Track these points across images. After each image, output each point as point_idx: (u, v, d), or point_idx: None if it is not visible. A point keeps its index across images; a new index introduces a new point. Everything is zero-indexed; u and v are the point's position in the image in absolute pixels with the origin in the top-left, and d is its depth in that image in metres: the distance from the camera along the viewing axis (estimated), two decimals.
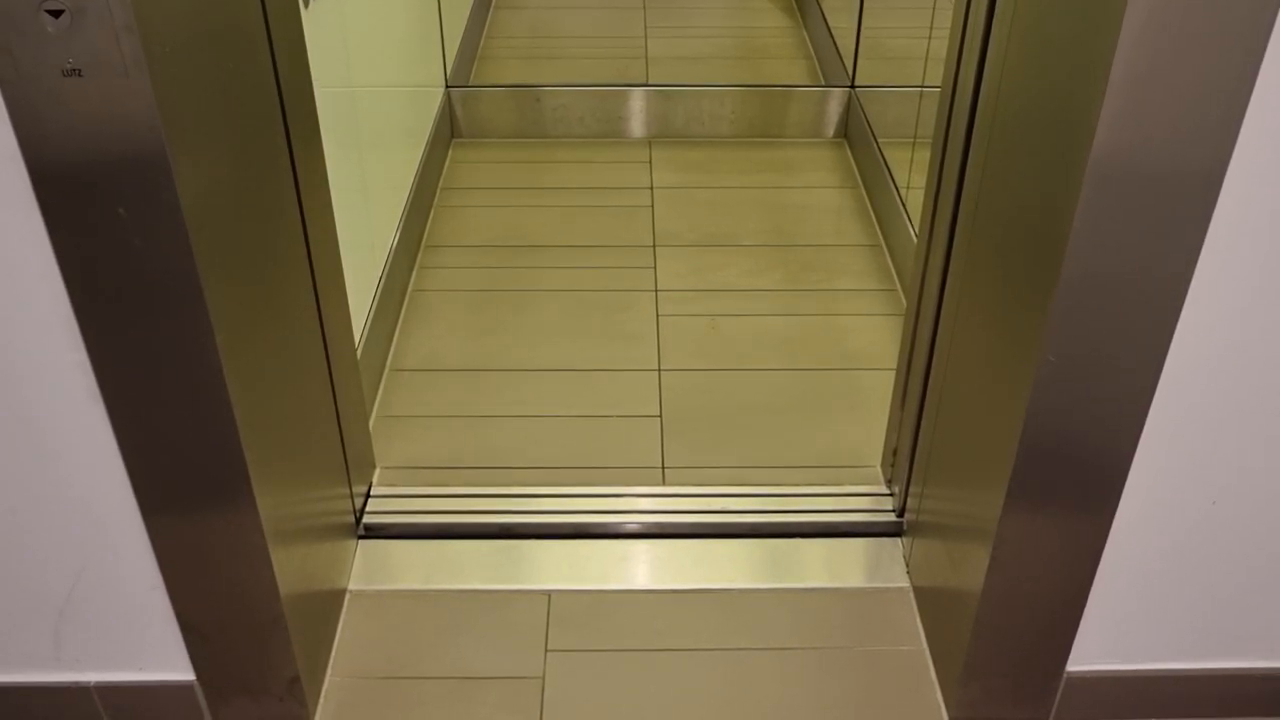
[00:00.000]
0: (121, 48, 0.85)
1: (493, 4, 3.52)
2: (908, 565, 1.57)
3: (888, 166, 2.39)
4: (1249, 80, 0.88)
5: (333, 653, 1.45)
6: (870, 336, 2.06)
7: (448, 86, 2.75)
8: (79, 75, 0.87)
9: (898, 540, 1.61)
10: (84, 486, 1.14)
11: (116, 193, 0.93)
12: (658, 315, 2.12)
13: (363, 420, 1.68)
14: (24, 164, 0.92)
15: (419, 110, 2.45)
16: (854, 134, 2.73)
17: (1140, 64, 0.87)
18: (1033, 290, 1.06)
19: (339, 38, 1.68)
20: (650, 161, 2.70)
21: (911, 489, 1.57)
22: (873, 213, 2.47)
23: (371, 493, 1.68)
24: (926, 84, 2.14)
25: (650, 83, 2.90)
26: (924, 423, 1.48)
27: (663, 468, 1.76)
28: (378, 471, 1.74)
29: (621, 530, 1.63)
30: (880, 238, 2.37)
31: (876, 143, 2.50)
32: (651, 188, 2.58)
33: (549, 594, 1.53)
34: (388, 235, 2.07)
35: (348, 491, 1.57)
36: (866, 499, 1.67)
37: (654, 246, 2.34)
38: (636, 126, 2.81)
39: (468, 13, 3.13)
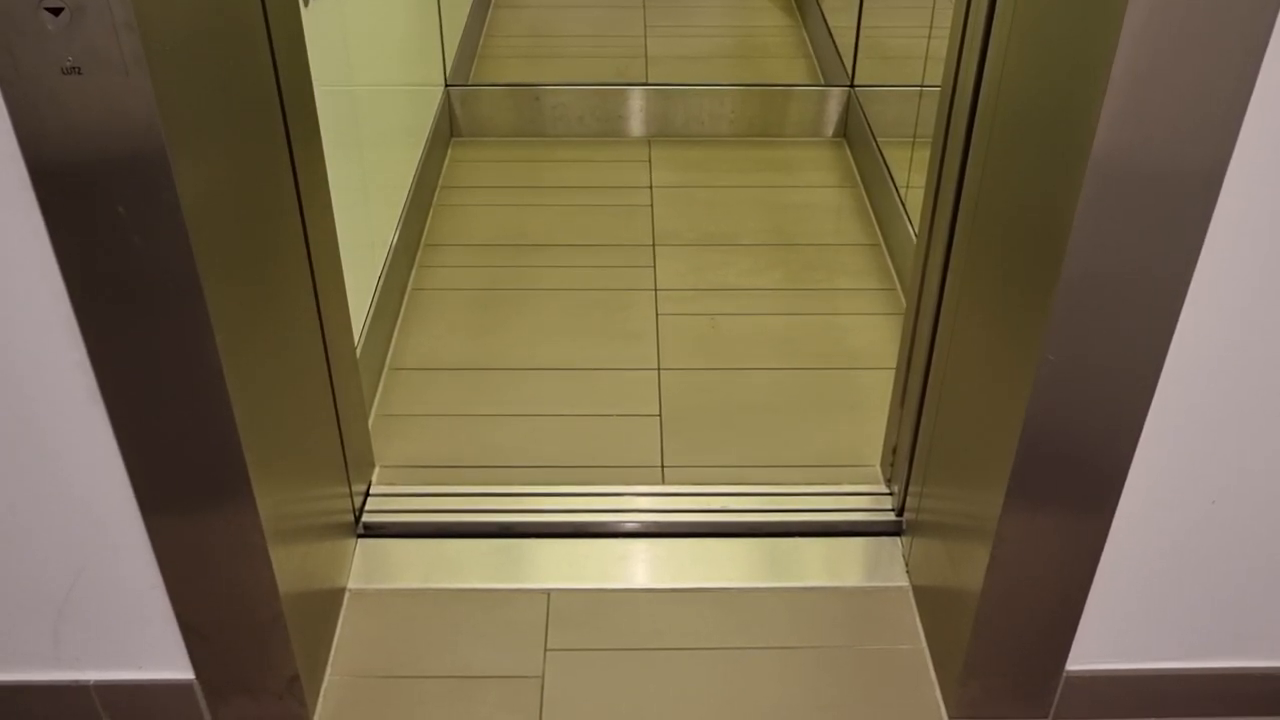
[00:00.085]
0: (121, 46, 0.85)
1: (492, 3, 3.52)
2: (907, 564, 1.57)
3: (887, 166, 2.39)
4: (1249, 80, 0.88)
5: (332, 652, 1.45)
6: (870, 335, 2.06)
7: (447, 85, 2.75)
8: (78, 73, 0.86)
9: (897, 539, 1.61)
10: (84, 485, 1.14)
11: (116, 191, 0.93)
12: (657, 314, 2.12)
13: (362, 419, 1.68)
14: (24, 162, 0.92)
15: (418, 109, 2.45)
16: (853, 133, 2.73)
17: (1141, 63, 0.87)
18: (1033, 289, 1.06)
19: (339, 36, 1.68)
20: (650, 161, 2.70)
21: (911, 488, 1.57)
22: (872, 212, 2.47)
23: (371, 492, 1.68)
24: (926, 83, 2.14)
25: (650, 82, 2.90)
26: (923, 422, 1.48)
27: (662, 467, 1.76)
28: (377, 470, 1.74)
29: (621, 529, 1.63)
30: (880, 237, 2.37)
31: (876, 142, 2.50)
32: (651, 187, 2.58)
33: (548, 593, 1.53)
34: (387, 234, 2.07)
35: (347, 490, 1.56)
36: (866, 498, 1.67)
37: (653, 246, 2.34)
38: (636, 125, 2.81)
39: (467, 11, 3.13)
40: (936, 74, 1.43)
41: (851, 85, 2.76)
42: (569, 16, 3.45)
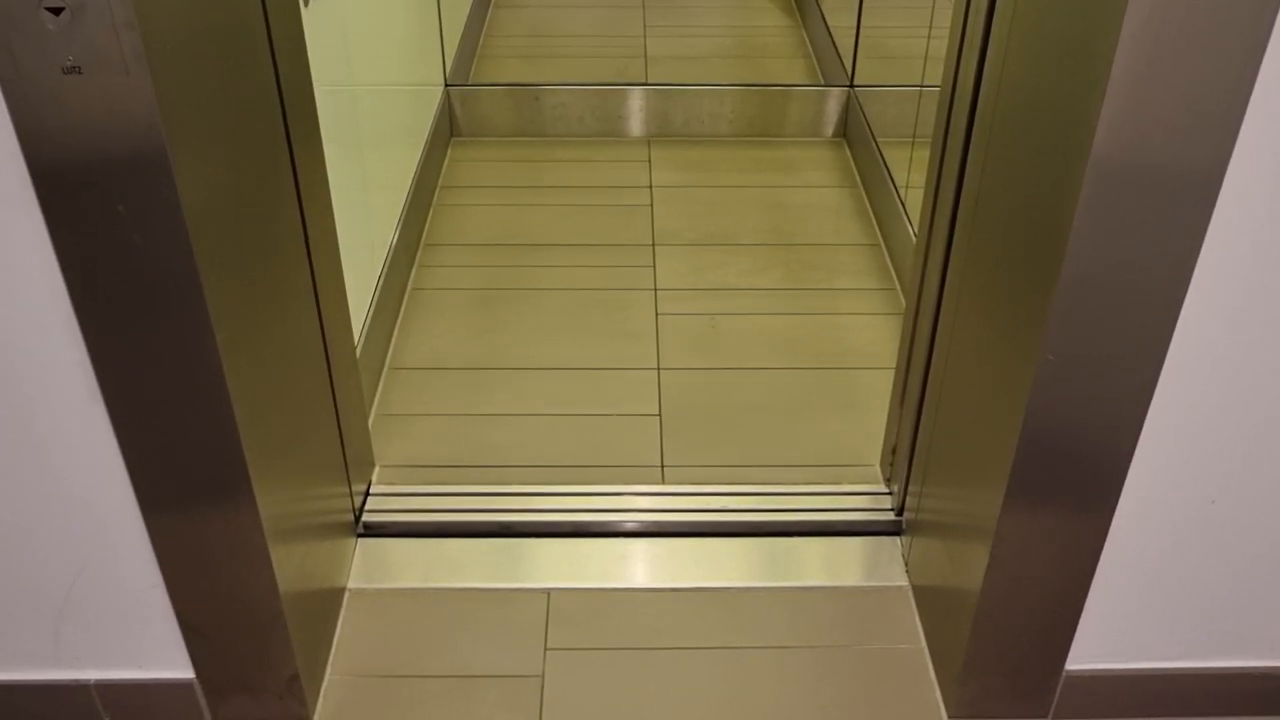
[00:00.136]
0: (122, 45, 0.85)
1: (492, 3, 3.52)
2: (906, 564, 1.57)
3: (887, 166, 2.39)
4: (1249, 78, 0.88)
5: (332, 651, 1.45)
6: (869, 335, 2.06)
7: (447, 85, 2.75)
8: (79, 73, 0.86)
9: (896, 539, 1.62)
10: (84, 484, 1.14)
11: (116, 190, 0.93)
12: (657, 314, 2.12)
13: (362, 419, 1.68)
14: (24, 162, 0.92)
15: (418, 109, 2.45)
16: (853, 133, 2.73)
17: (1141, 62, 0.87)
18: (1032, 289, 1.06)
19: (339, 36, 1.68)
20: (649, 160, 2.70)
21: (910, 488, 1.57)
22: (872, 212, 2.47)
23: (371, 491, 1.68)
24: (926, 83, 2.14)
25: (649, 82, 2.90)
26: (923, 421, 1.48)
27: (662, 466, 1.76)
28: (377, 470, 1.74)
29: (620, 529, 1.63)
30: (879, 237, 2.38)
31: (875, 142, 2.50)
32: (651, 186, 2.58)
33: (548, 592, 1.53)
34: (387, 233, 2.07)
35: (347, 490, 1.57)
36: (865, 498, 1.67)
37: (653, 245, 2.34)
38: (636, 125, 2.81)
39: (467, 11, 3.13)
40: (936, 74, 1.43)
41: (851, 85, 2.76)
42: (569, 16, 3.45)
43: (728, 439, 1.82)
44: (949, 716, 1.38)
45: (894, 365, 1.65)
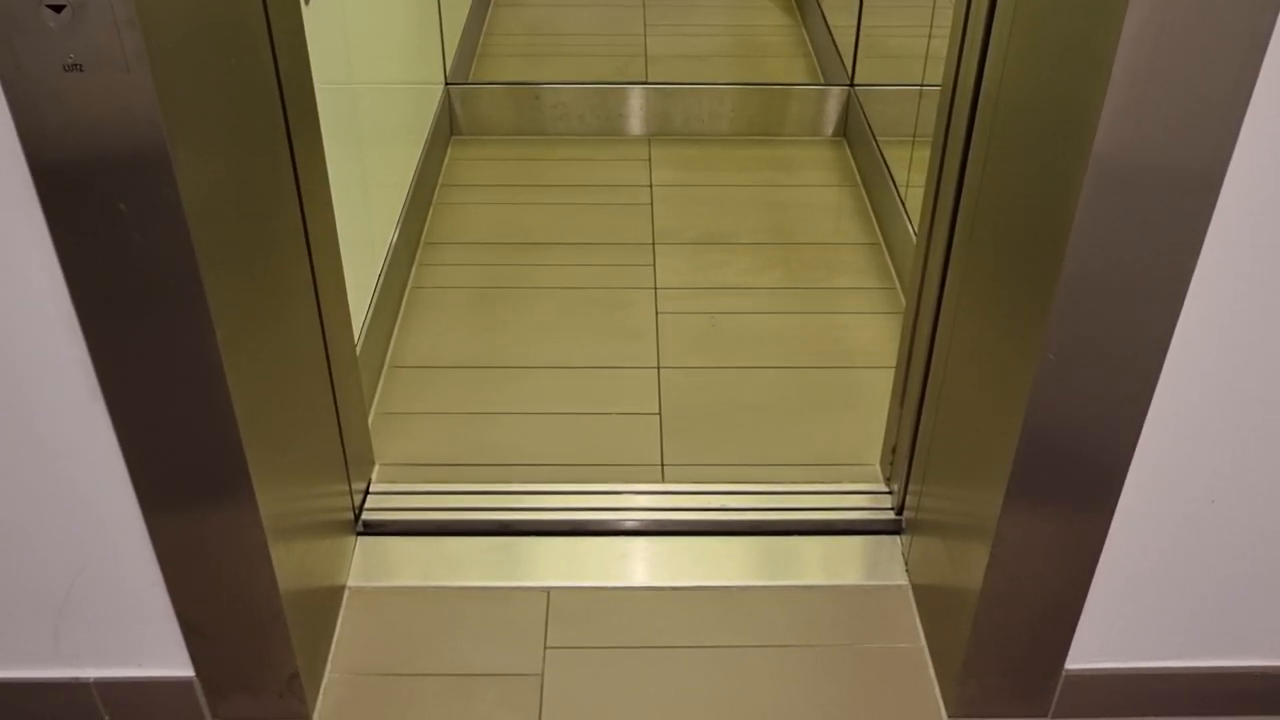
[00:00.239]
0: (123, 43, 0.85)
1: (492, 1, 3.51)
2: (906, 563, 1.57)
3: (887, 165, 2.39)
4: (1250, 77, 0.88)
5: (332, 649, 1.45)
6: (869, 334, 2.06)
7: (447, 84, 2.75)
8: (80, 71, 0.86)
9: (896, 538, 1.62)
10: (84, 483, 1.14)
11: (117, 189, 0.93)
12: (657, 313, 2.12)
13: (362, 417, 1.68)
14: (25, 160, 0.92)
15: (418, 107, 2.45)
16: (853, 132, 2.73)
17: (1141, 61, 0.87)
18: (1033, 288, 1.06)
19: (339, 34, 1.68)
20: (649, 159, 2.70)
21: (910, 487, 1.57)
22: (872, 211, 2.47)
23: (370, 489, 1.68)
24: (926, 82, 2.14)
25: (649, 80, 2.90)
26: (923, 420, 1.48)
27: (661, 465, 1.76)
28: (377, 468, 1.74)
29: (620, 528, 1.63)
30: (879, 236, 2.38)
31: (876, 141, 2.50)
32: (651, 185, 2.58)
33: (548, 591, 1.53)
34: (387, 232, 2.07)
35: (347, 488, 1.57)
36: (865, 497, 1.67)
37: (653, 244, 2.34)
38: (636, 124, 2.81)
39: (467, 10, 3.13)
40: (936, 73, 1.43)
41: (851, 84, 2.76)
42: (569, 15, 3.45)
43: (727, 438, 1.82)
44: (949, 716, 1.38)
45: (894, 364, 1.65)
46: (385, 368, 1.97)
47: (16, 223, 0.96)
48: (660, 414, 1.87)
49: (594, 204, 2.50)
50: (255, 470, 1.13)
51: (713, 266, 2.27)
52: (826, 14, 3.13)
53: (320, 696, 1.39)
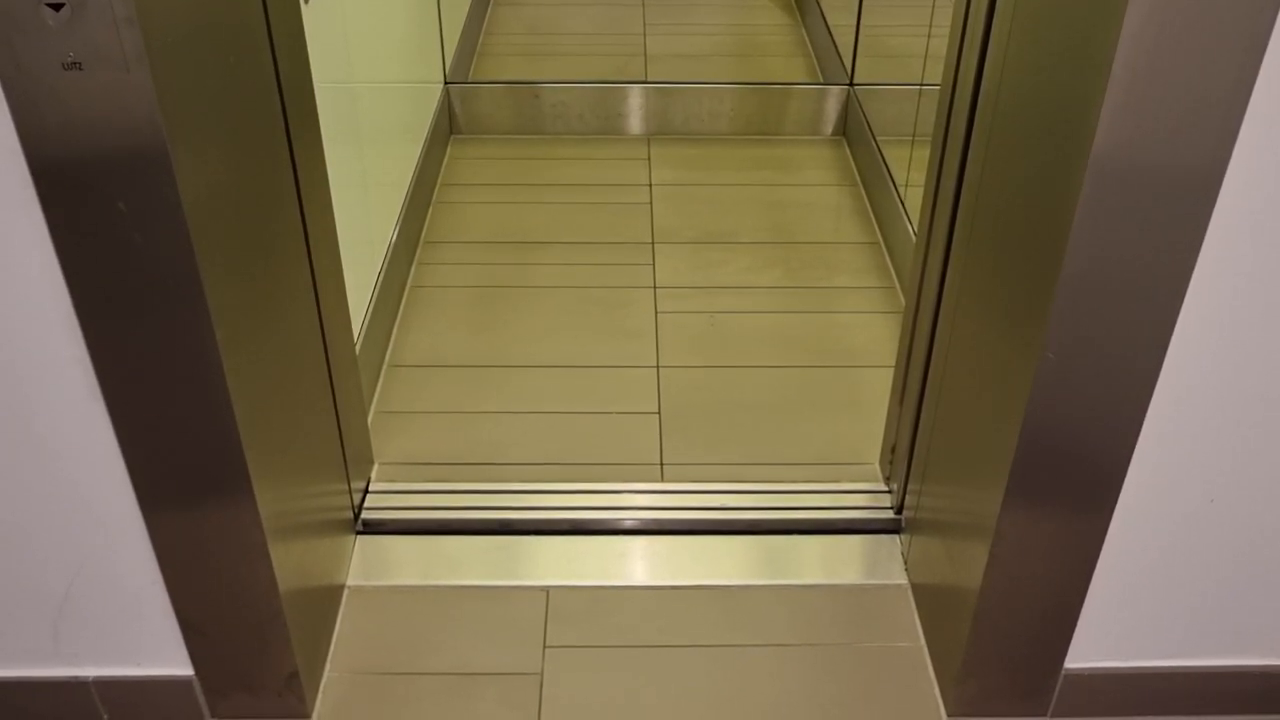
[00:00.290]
0: (122, 41, 0.85)
1: (492, 0, 3.51)
2: (906, 562, 1.58)
3: (886, 164, 2.39)
4: (1250, 76, 0.88)
5: (331, 648, 1.45)
6: (869, 334, 2.06)
7: (446, 83, 2.75)
8: (79, 69, 0.86)
9: (896, 537, 1.62)
10: (83, 482, 1.14)
11: (117, 188, 0.93)
12: (656, 312, 2.12)
13: (361, 416, 1.68)
14: (24, 159, 0.92)
15: (418, 106, 2.45)
16: (852, 132, 2.73)
17: (1141, 60, 0.87)
18: (1032, 287, 1.06)
19: (338, 33, 1.68)
20: (649, 158, 2.70)
21: (910, 486, 1.57)
22: (871, 210, 2.47)
23: (370, 488, 1.68)
24: (926, 82, 2.14)
25: (649, 80, 2.90)
26: (922, 420, 1.48)
27: (661, 464, 1.76)
28: (376, 467, 1.74)
29: (620, 527, 1.63)
30: (879, 235, 2.38)
31: (875, 140, 2.50)
32: (650, 184, 2.58)
33: (547, 590, 1.53)
34: (387, 231, 2.07)
35: (346, 487, 1.57)
36: (865, 496, 1.67)
37: (653, 243, 2.34)
38: (635, 123, 2.81)
39: (467, 9, 3.13)
40: (936, 72, 1.43)
41: (851, 84, 2.76)
42: (568, 14, 3.45)
43: (727, 437, 1.82)
44: (948, 715, 1.38)
45: (893, 363, 1.65)
46: (384, 367, 1.97)
47: (16, 222, 0.96)
48: (659, 413, 1.87)
49: (593, 203, 2.50)
50: (254, 469, 1.13)
51: (712, 266, 2.27)
52: (826, 13, 3.13)
53: (320, 695, 1.39)
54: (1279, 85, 0.91)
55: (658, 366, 1.97)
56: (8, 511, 1.16)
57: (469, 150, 2.74)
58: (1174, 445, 1.14)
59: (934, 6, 2.06)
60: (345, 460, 1.54)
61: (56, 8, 0.84)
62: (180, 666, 1.30)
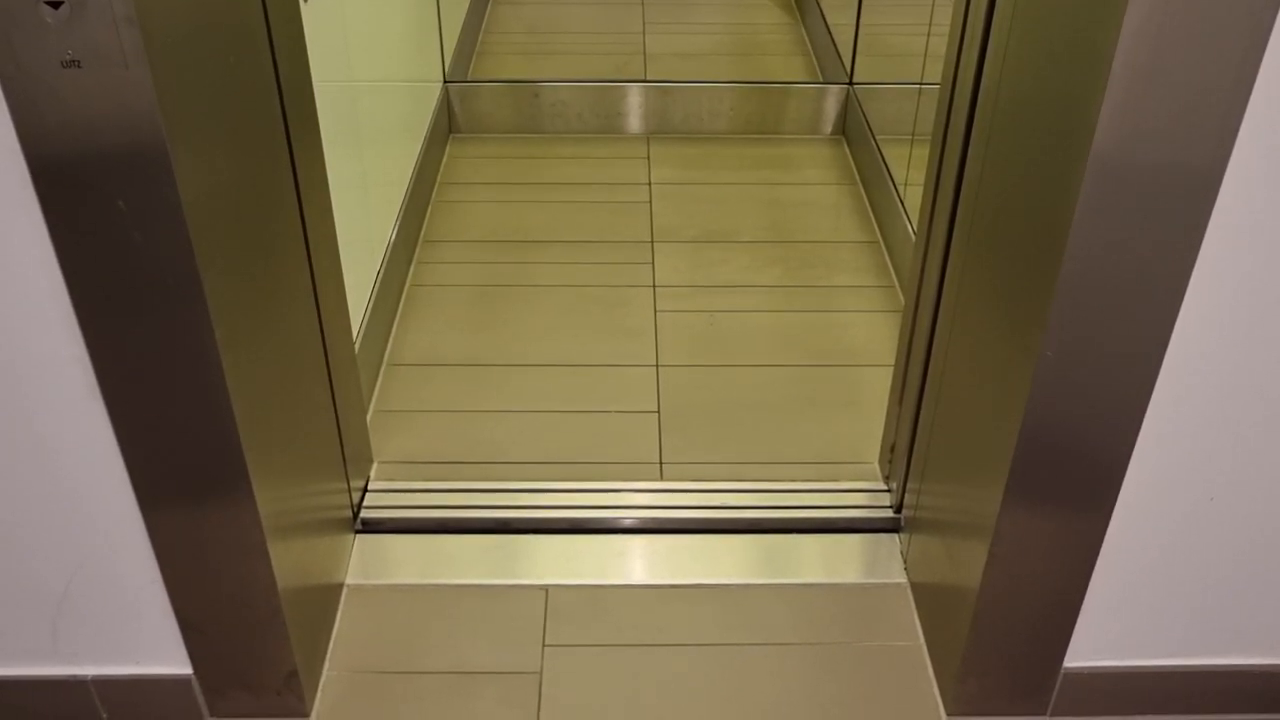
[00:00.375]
0: (121, 40, 0.85)
1: None
2: (905, 561, 1.58)
3: (886, 163, 2.39)
4: (1250, 74, 0.88)
5: (330, 647, 1.45)
6: (868, 332, 2.06)
7: (446, 82, 2.74)
8: (78, 67, 0.86)
9: (895, 536, 1.62)
10: (82, 481, 1.14)
11: (116, 186, 0.93)
12: (655, 311, 2.12)
13: (360, 415, 1.68)
14: (23, 157, 0.92)
15: (417, 105, 2.45)
16: (852, 131, 2.73)
17: (1141, 58, 0.87)
18: (1032, 286, 1.06)
19: (338, 32, 1.68)
20: (648, 157, 2.70)
21: (909, 485, 1.57)
22: (870, 209, 2.47)
23: (369, 487, 1.68)
24: (925, 81, 2.14)
25: (648, 79, 2.90)
26: (922, 419, 1.48)
27: (660, 463, 1.76)
28: (375, 466, 1.74)
29: (619, 525, 1.63)
30: (878, 234, 2.38)
31: (874, 139, 2.50)
32: (650, 183, 2.58)
33: (546, 589, 1.53)
34: (386, 230, 2.07)
35: (345, 486, 1.57)
36: (864, 495, 1.67)
37: (652, 242, 2.34)
38: (635, 122, 2.81)
39: (466, 7, 3.13)
40: (936, 71, 1.43)
41: (850, 83, 2.76)
42: (568, 13, 3.45)
43: (726, 436, 1.82)
44: (947, 714, 1.38)
45: (893, 362, 1.65)
46: (384, 366, 1.97)
47: (15, 221, 0.96)
48: (659, 412, 1.87)
49: (593, 202, 2.50)
50: (254, 468, 1.13)
51: (712, 265, 2.27)
52: (825, 12, 3.13)
53: (319, 694, 1.39)
54: (1279, 82, 0.91)
55: (657, 365, 1.97)
56: (7, 510, 1.16)
57: (468, 149, 2.74)
58: (1174, 444, 1.14)
59: (934, 5, 2.06)
60: (344, 459, 1.54)
61: (56, 6, 0.84)
62: (179, 665, 1.30)
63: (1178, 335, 1.05)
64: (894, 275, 2.23)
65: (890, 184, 2.32)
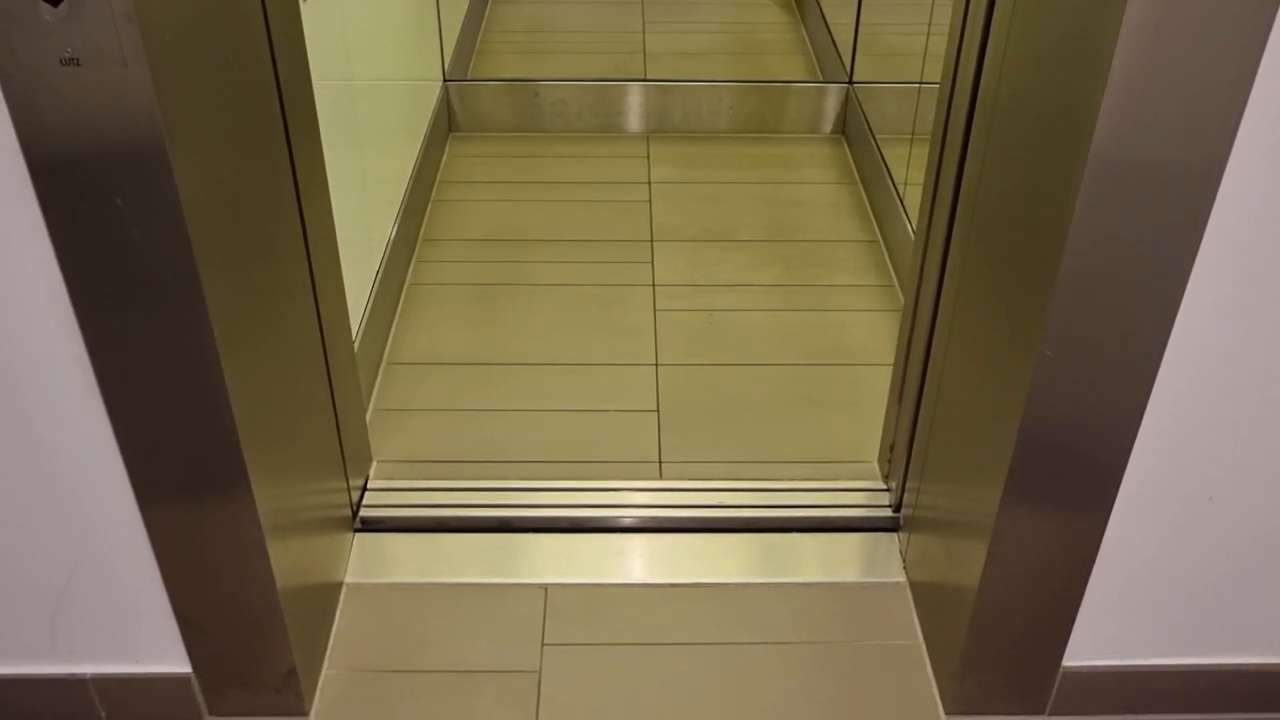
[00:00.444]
0: (120, 37, 0.85)
1: None
2: (904, 560, 1.58)
3: (885, 162, 2.39)
4: (1250, 73, 0.88)
5: (329, 645, 1.45)
6: (867, 332, 2.06)
7: (445, 80, 2.74)
8: (77, 65, 0.86)
9: (894, 535, 1.62)
10: (81, 479, 1.14)
11: (115, 184, 0.93)
12: (655, 310, 2.12)
13: (360, 413, 1.68)
14: (22, 155, 0.92)
15: (417, 104, 2.45)
16: (852, 130, 2.73)
17: (1141, 57, 0.87)
18: (1031, 285, 1.06)
19: (337, 30, 1.68)
20: (648, 156, 2.70)
21: (908, 484, 1.57)
22: (870, 208, 2.47)
23: (368, 486, 1.68)
24: (925, 80, 2.13)
25: (648, 78, 2.90)
26: (921, 418, 1.48)
27: (659, 462, 1.76)
28: (374, 465, 1.74)
29: (618, 524, 1.63)
30: (878, 233, 2.37)
31: (874, 139, 2.50)
32: (649, 182, 2.58)
33: (545, 587, 1.53)
34: (385, 228, 2.07)
35: (344, 485, 1.56)
36: (863, 494, 1.67)
37: (651, 241, 2.34)
38: (634, 121, 2.81)
39: (466, 6, 3.13)
40: (935, 70, 1.43)
41: (850, 82, 2.76)
42: (568, 12, 3.45)
43: (725, 435, 1.82)
44: (946, 713, 1.38)
45: (892, 361, 1.65)
46: (383, 364, 1.97)
47: (14, 219, 0.96)
48: (658, 411, 1.87)
49: (592, 201, 2.50)
50: (253, 466, 1.13)
51: (711, 264, 2.27)
52: (825, 11, 3.13)
53: (317, 692, 1.39)
54: (1278, 83, 0.91)
55: (656, 364, 1.97)
56: (6, 508, 1.16)
57: (468, 148, 2.74)
58: (1173, 443, 1.14)
59: (933, 4, 2.06)
60: (344, 457, 1.54)
61: (54, 3, 0.84)
62: (178, 664, 1.30)
63: (1177, 334, 1.05)
64: (893, 274, 2.23)
65: (890, 183, 2.32)
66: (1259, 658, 1.34)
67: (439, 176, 2.60)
